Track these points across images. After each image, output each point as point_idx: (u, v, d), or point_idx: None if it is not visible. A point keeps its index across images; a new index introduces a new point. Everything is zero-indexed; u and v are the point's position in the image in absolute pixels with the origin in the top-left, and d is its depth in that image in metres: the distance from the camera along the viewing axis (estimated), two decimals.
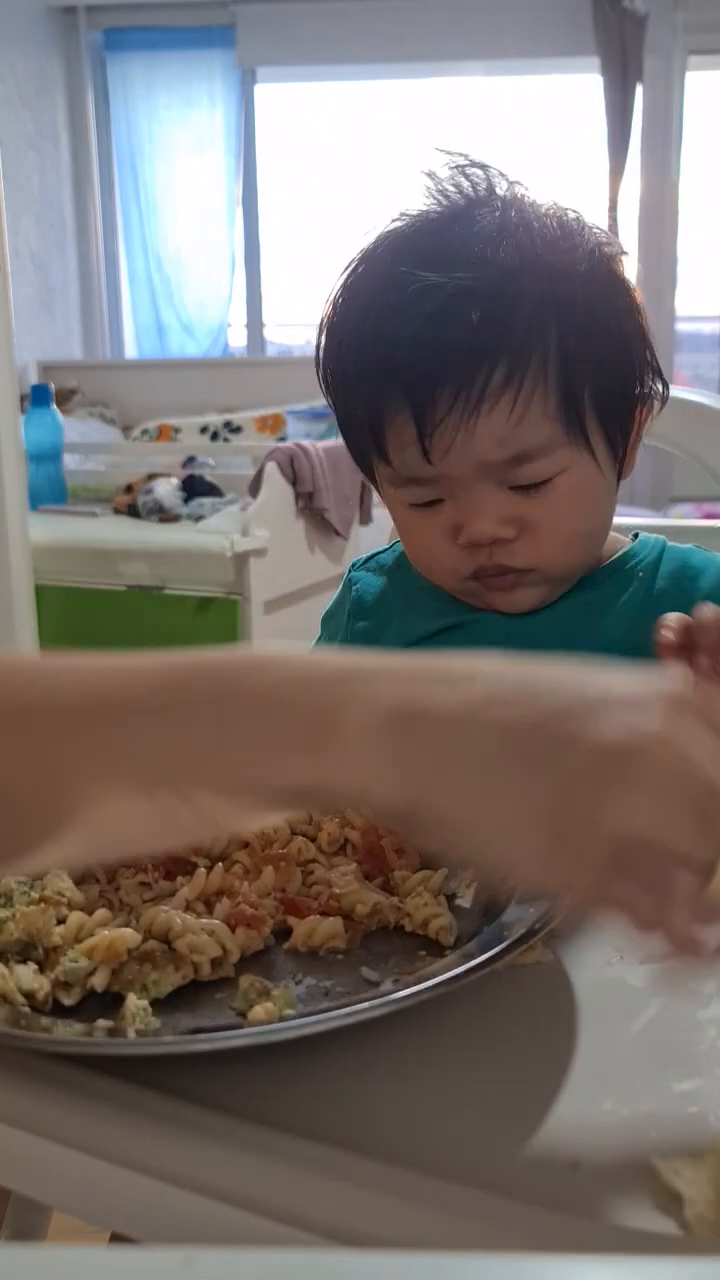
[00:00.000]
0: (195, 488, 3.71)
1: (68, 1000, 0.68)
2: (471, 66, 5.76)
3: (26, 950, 0.71)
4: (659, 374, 0.97)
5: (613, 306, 0.93)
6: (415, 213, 0.96)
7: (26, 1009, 0.66)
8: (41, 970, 0.69)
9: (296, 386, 5.27)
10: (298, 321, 6.41)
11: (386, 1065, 0.63)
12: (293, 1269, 0.35)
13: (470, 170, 0.96)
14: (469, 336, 0.88)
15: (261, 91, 5.88)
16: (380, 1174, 0.53)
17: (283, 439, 4.52)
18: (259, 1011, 0.64)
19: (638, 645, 0.92)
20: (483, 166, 0.96)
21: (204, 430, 4.86)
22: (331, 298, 0.98)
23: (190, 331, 6.05)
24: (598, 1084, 0.61)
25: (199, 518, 3.50)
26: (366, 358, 0.93)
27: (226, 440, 4.79)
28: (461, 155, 0.97)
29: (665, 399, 0.99)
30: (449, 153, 0.97)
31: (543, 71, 5.76)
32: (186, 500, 3.65)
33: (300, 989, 0.69)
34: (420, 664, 0.55)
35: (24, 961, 0.70)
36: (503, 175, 0.96)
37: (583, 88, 5.39)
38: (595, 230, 0.95)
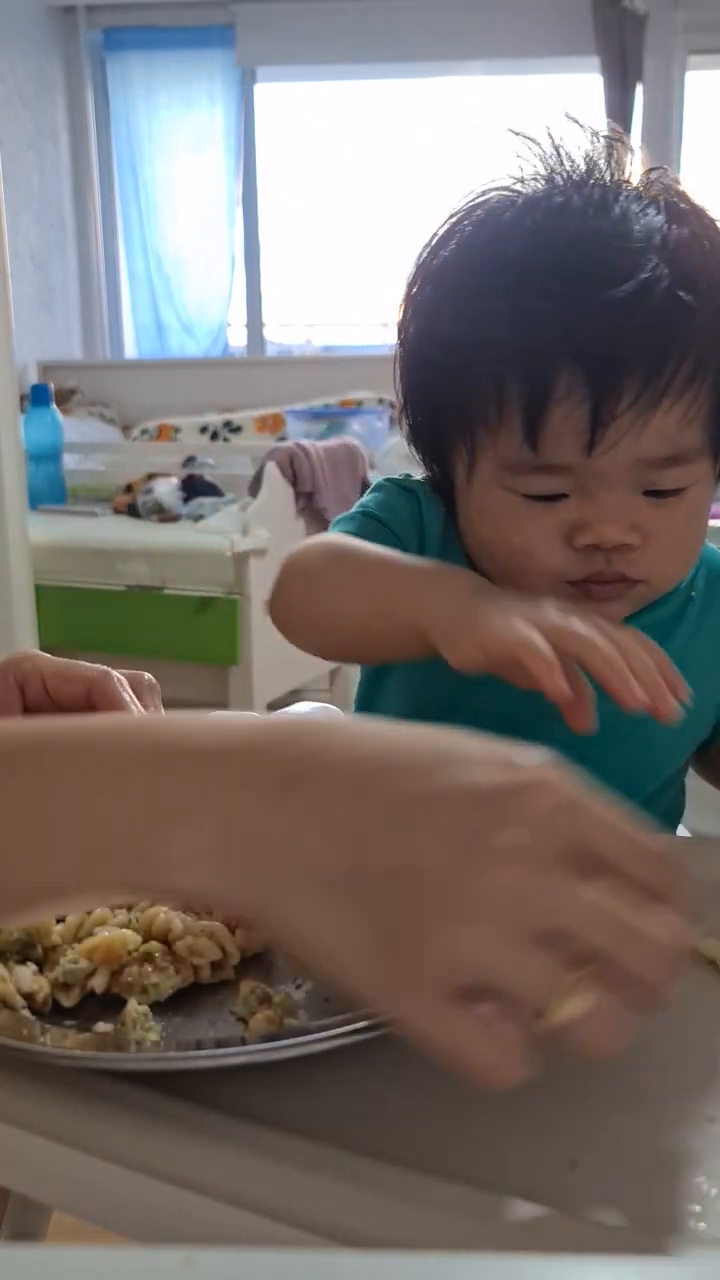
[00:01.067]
0: (195, 487, 3.71)
1: (67, 1001, 0.68)
2: (471, 66, 5.76)
3: (26, 950, 0.71)
4: None
5: None
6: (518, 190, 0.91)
7: (26, 1012, 0.66)
8: (41, 970, 0.69)
9: (296, 386, 5.27)
10: (297, 321, 6.41)
11: (386, 1065, 0.63)
12: (292, 1269, 0.35)
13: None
14: (661, 321, 0.82)
15: (261, 91, 5.88)
16: (378, 1174, 0.53)
17: (283, 439, 4.52)
18: (260, 1019, 0.64)
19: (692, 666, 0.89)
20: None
21: (204, 430, 4.87)
22: (433, 266, 0.91)
23: (190, 331, 6.05)
24: (597, 1084, 0.61)
25: (199, 517, 3.50)
26: (531, 324, 0.83)
27: (226, 440, 4.80)
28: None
29: None
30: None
31: (542, 71, 5.76)
32: (186, 500, 3.65)
33: (300, 994, 0.69)
34: (254, 762, 0.52)
35: (23, 961, 0.70)
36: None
37: (583, 87, 5.39)
38: None
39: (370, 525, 0.98)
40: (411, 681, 0.99)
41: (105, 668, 0.86)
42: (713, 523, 1.23)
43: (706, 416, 0.85)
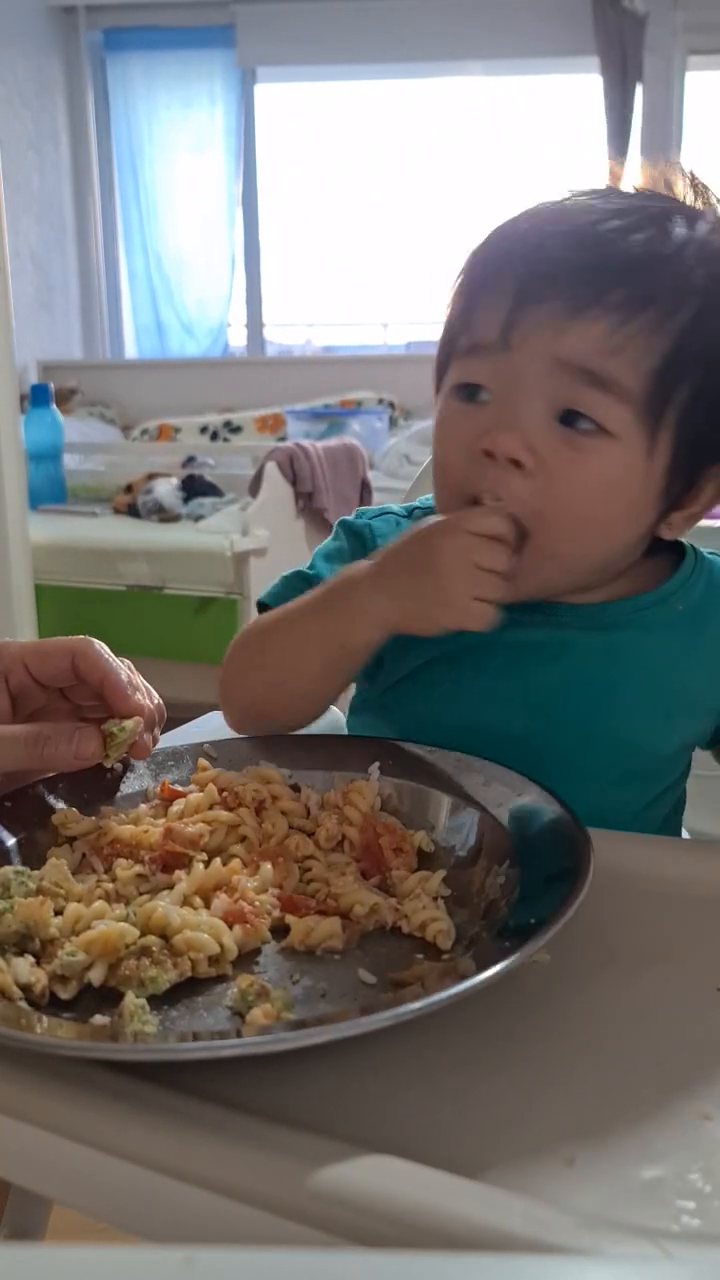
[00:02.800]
0: (195, 487, 3.71)
1: (65, 994, 0.68)
2: (471, 66, 5.76)
3: (24, 942, 0.71)
4: None
5: None
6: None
7: (24, 1003, 0.67)
8: (39, 962, 0.69)
9: (296, 386, 5.28)
10: (297, 321, 6.42)
11: (384, 1061, 0.63)
12: (293, 1268, 0.35)
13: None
14: (624, 252, 0.85)
15: (261, 91, 5.88)
16: (375, 1168, 0.53)
17: (283, 439, 4.53)
18: (257, 1014, 0.64)
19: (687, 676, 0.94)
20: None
21: (204, 430, 4.87)
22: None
23: (190, 331, 6.05)
24: (593, 1082, 0.62)
25: (199, 517, 3.50)
26: (511, 236, 0.90)
27: (226, 440, 4.80)
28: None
29: None
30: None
31: (542, 71, 5.77)
32: (186, 500, 3.65)
33: (297, 989, 0.69)
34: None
35: (21, 953, 0.70)
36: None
37: (582, 87, 5.39)
38: None
39: (300, 585, 1.02)
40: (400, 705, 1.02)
41: (84, 636, 0.87)
42: (712, 524, 1.24)
43: (639, 367, 0.85)
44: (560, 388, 0.85)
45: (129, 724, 0.84)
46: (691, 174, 0.94)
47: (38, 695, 0.89)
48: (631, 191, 0.93)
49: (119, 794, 0.90)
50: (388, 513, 1.07)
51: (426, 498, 1.04)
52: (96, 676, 0.86)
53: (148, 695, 0.90)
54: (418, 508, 1.06)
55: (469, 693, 0.97)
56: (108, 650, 0.88)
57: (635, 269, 0.85)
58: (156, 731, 0.90)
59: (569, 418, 0.85)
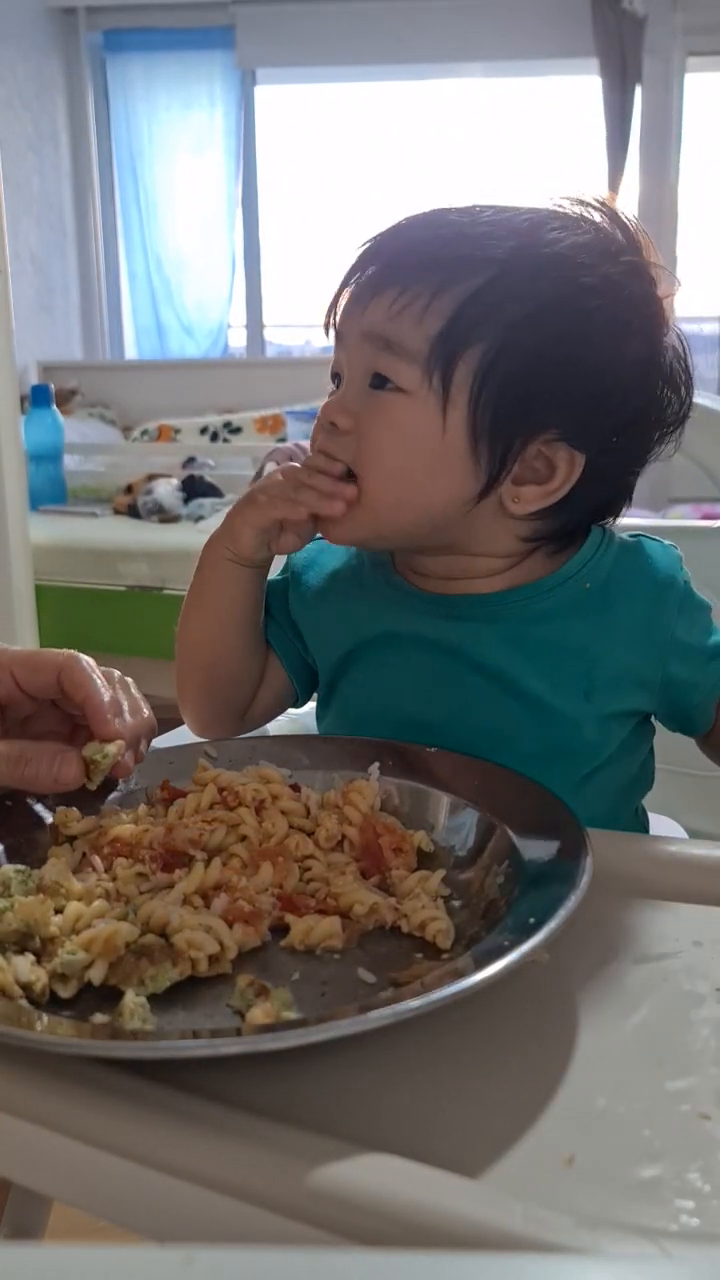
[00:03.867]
0: (195, 488, 3.71)
1: (65, 993, 0.68)
2: (471, 68, 5.77)
3: (24, 940, 0.71)
4: (601, 443, 0.98)
5: (580, 333, 0.94)
6: None
7: (24, 1002, 0.67)
8: (39, 960, 0.69)
9: (296, 387, 5.27)
10: (297, 322, 6.42)
11: (384, 1060, 0.63)
12: (293, 1268, 0.35)
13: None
14: (434, 236, 0.96)
15: (261, 93, 5.88)
16: (374, 1167, 0.53)
17: (282, 439, 4.53)
18: (257, 1013, 0.64)
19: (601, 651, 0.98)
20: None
21: (204, 431, 4.87)
22: None
23: (190, 332, 6.05)
24: (593, 1081, 0.62)
25: (199, 518, 3.50)
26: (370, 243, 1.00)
27: (226, 441, 4.80)
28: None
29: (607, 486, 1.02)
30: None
31: (542, 73, 5.77)
32: (186, 501, 3.65)
33: (297, 989, 0.69)
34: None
35: (21, 952, 0.70)
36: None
37: (582, 89, 5.39)
38: (639, 283, 0.97)
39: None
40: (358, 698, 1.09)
41: (72, 651, 0.88)
42: (712, 524, 1.25)
43: (429, 332, 0.93)
44: (366, 357, 0.96)
45: (111, 749, 0.85)
46: (615, 209, 1.00)
47: (25, 705, 0.89)
48: (539, 206, 0.98)
49: (117, 795, 0.90)
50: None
51: None
52: (79, 695, 0.86)
53: (138, 710, 0.91)
54: None
55: (389, 686, 1.04)
56: (94, 668, 0.88)
57: (431, 245, 0.96)
58: (142, 747, 0.91)
59: (377, 381, 0.96)
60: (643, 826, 1.12)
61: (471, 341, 0.92)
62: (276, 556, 1.06)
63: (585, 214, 0.98)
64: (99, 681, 0.87)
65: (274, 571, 1.12)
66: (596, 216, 0.98)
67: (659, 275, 0.98)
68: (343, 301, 1.00)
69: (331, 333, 1.01)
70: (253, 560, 1.04)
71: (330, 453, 0.98)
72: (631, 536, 1.05)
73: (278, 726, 1.30)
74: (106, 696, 0.87)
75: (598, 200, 0.99)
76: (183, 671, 1.12)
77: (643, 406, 0.98)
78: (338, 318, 1.00)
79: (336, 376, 1.01)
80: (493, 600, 1.01)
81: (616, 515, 1.04)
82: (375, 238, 0.99)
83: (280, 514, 0.99)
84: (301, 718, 1.36)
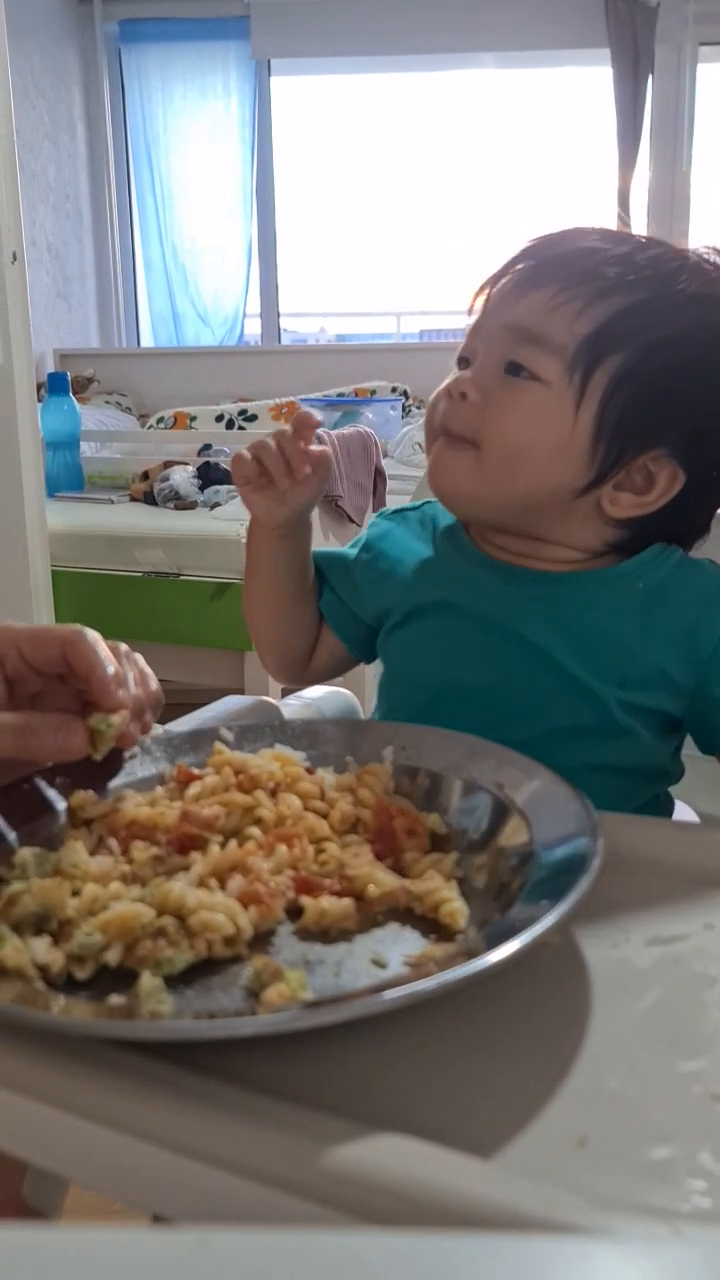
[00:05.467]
0: (211, 475, 3.70)
1: (81, 974, 0.68)
2: (483, 59, 5.76)
3: (41, 922, 0.71)
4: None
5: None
6: None
7: (41, 984, 0.67)
8: (56, 942, 0.70)
9: (311, 375, 5.28)
10: (313, 311, 6.41)
11: (397, 1041, 0.63)
12: (304, 1249, 0.35)
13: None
14: (587, 251, 1.03)
15: (276, 83, 5.87)
16: (388, 1148, 0.53)
17: None
18: (272, 994, 0.64)
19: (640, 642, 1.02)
20: None
21: (219, 419, 4.86)
22: None
23: (206, 321, 6.05)
24: (605, 1062, 0.62)
25: (214, 505, 3.49)
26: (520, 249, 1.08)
27: (242, 429, 4.79)
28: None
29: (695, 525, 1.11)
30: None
31: (554, 64, 5.76)
32: (202, 488, 3.64)
33: (311, 970, 0.69)
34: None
35: (38, 934, 0.70)
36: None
37: (593, 79, 5.38)
38: None
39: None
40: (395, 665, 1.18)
41: (78, 626, 0.88)
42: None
43: (578, 332, 1.00)
44: (506, 345, 1.02)
45: (115, 719, 0.85)
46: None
47: (33, 680, 0.89)
48: (664, 251, 1.05)
49: (134, 777, 0.91)
50: (399, 511, 1.25)
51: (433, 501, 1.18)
52: (84, 668, 0.86)
53: (143, 683, 0.91)
54: (428, 502, 1.21)
55: (437, 649, 1.10)
56: (100, 642, 0.88)
57: (594, 258, 1.02)
58: (148, 718, 0.91)
59: (513, 369, 1.02)
60: (668, 815, 1.13)
61: (615, 350, 0.99)
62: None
63: None
64: (104, 654, 0.87)
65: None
66: None
67: None
68: (485, 290, 1.07)
69: (471, 319, 1.08)
70: (270, 524, 1.18)
71: (452, 423, 1.05)
72: (697, 558, 1.09)
73: (292, 711, 1.31)
74: (111, 669, 0.87)
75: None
76: (248, 624, 1.27)
77: None
78: (486, 304, 1.06)
79: (464, 360, 1.07)
80: (550, 578, 1.07)
81: (688, 548, 1.10)
82: (537, 239, 1.06)
83: (241, 476, 1.15)
84: (316, 702, 1.37)
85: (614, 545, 1.07)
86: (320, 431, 3.51)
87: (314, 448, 1.12)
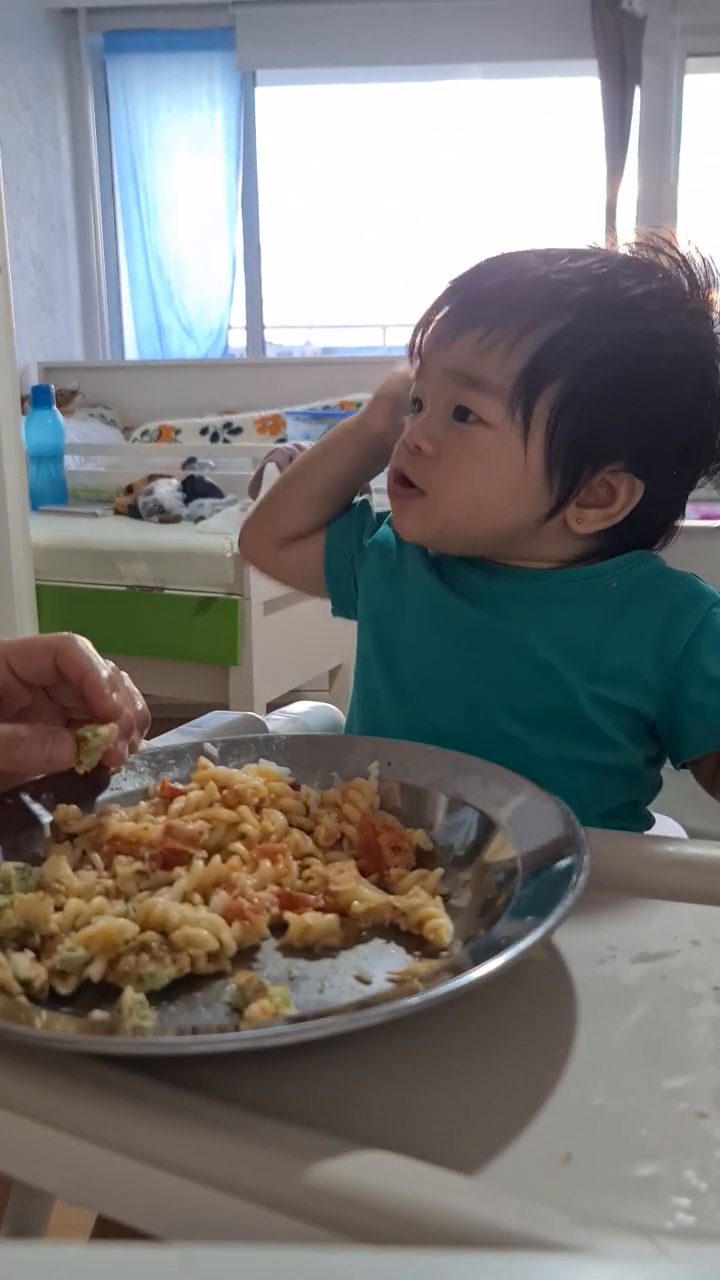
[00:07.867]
0: (195, 489, 3.71)
1: (64, 989, 0.68)
2: (470, 69, 5.76)
3: (24, 937, 0.71)
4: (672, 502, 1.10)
5: (649, 376, 1.02)
6: None
7: (23, 998, 0.67)
8: (39, 957, 0.70)
9: (296, 388, 5.28)
10: (297, 324, 6.42)
11: (382, 1057, 0.63)
12: (290, 1267, 0.35)
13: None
14: (518, 278, 1.03)
15: (262, 94, 5.88)
16: (372, 1165, 0.53)
17: (283, 440, 4.53)
18: (255, 1010, 0.65)
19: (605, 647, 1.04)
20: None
21: (204, 431, 4.86)
22: None
23: (190, 333, 6.05)
24: (590, 1079, 0.62)
25: (199, 518, 3.50)
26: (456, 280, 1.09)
27: (226, 441, 4.79)
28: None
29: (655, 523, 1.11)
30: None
31: (541, 74, 5.76)
32: (187, 501, 3.65)
33: (295, 986, 0.69)
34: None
35: (21, 948, 0.70)
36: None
37: (581, 90, 5.39)
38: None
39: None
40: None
41: (67, 633, 0.88)
42: (712, 524, 1.27)
43: (512, 370, 1.01)
44: (450, 391, 1.04)
45: (104, 730, 0.85)
46: (684, 253, 1.07)
47: (22, 694, 0.89)
48: (612, 251, 1.07)
49: (116, 793, 0.90)
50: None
51: None
52: (77, 674, 0.86)
53: (130, 701, 0.91)
54: None
55: (415, 630, 1.13)
56: (90, 648, 0.88)
57: (516, 288, 1.03)
58: (135, 738, 0.91)
59: (460, 413, 1.04)
60: (644, 827, 1.13)
61: (552, 378, 1.01)
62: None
63: (656, 260, 1.06)
64: (95, 659, 0.87)
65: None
66: (666, 262, 1.06)
67: None
68: (423, 333, 1.08)
69: (416, 362, 1.10)
70: (369, 430, 1.23)
71: (410, 474, 1.07)
72: (677, 570, 1.10)
73: (277, 726, 1.30)
74: (105, 673, 0.87)
75: (668, 242, 1.07)
76: (271, 492, 1.31)
77: (698, 438, 1.06)
78: (421, 348, 1.08)
79: (417, 402, 1.09)
80: (526, 574, 1.10)
81: (664, 544, 1.13)
82: (458, 277, 1.08)
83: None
84: (301, 718, 1.37)
85: (588, 554, 1.09)
86: (306, 444, 3.51)
87: None
